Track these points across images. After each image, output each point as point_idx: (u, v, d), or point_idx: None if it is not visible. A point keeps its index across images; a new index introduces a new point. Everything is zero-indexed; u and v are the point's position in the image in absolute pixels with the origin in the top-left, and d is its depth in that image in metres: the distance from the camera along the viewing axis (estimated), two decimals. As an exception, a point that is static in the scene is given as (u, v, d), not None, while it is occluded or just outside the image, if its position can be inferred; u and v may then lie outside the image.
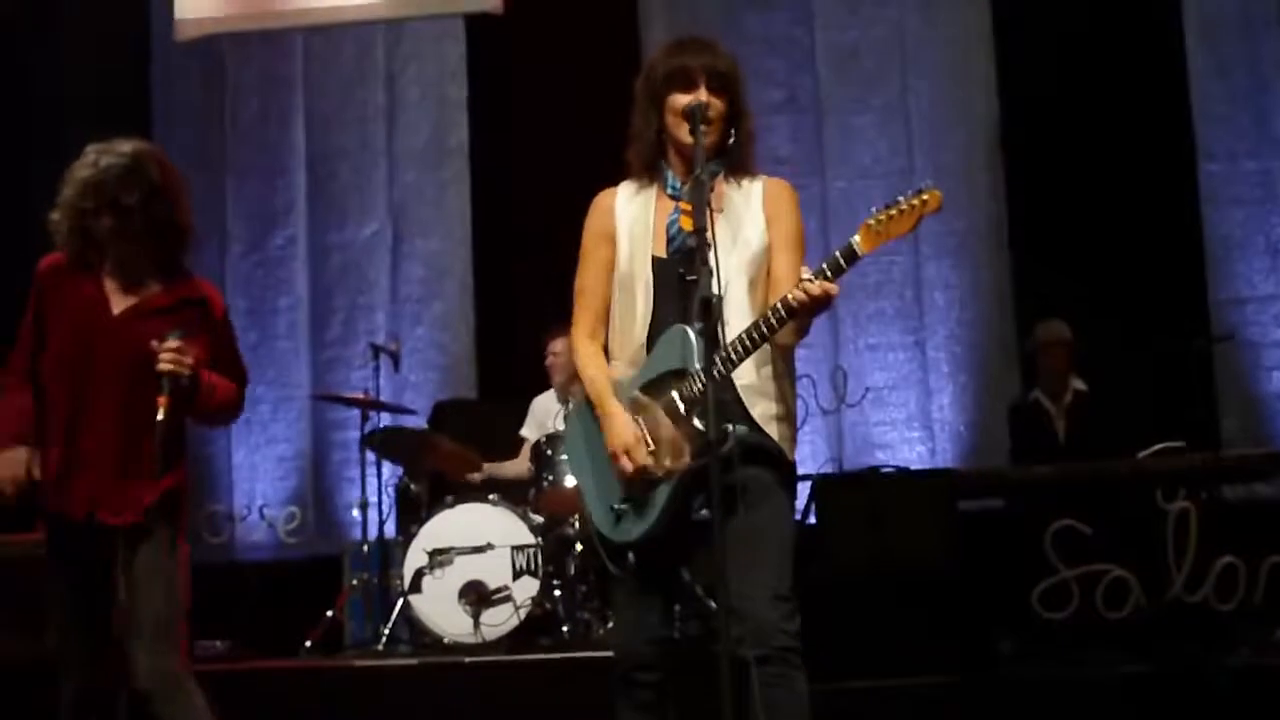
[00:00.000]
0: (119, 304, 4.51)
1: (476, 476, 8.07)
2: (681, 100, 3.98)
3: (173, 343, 4.35)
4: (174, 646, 4.44)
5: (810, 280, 3.70)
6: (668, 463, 3.88)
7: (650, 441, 3.91)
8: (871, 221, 3.74)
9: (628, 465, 3.90)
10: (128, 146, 4.53)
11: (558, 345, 7.76)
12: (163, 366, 4.33)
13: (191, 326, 4.49)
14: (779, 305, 3.77)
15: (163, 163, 4.57)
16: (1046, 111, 9.10)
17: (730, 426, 3.78)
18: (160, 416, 4.31)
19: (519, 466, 8.13)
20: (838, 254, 3.75)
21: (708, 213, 3.77)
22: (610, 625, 6.95)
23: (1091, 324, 8.18)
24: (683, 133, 3.98)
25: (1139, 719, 5.95)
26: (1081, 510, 6.55)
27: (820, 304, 3.73)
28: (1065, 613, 6.51)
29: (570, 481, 7.25)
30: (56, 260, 4.56)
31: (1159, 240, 8.94)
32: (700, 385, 3.78)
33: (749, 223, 4.03)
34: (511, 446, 8.25)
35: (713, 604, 4.27)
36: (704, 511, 3.83)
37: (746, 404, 3.93)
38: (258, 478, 9.82)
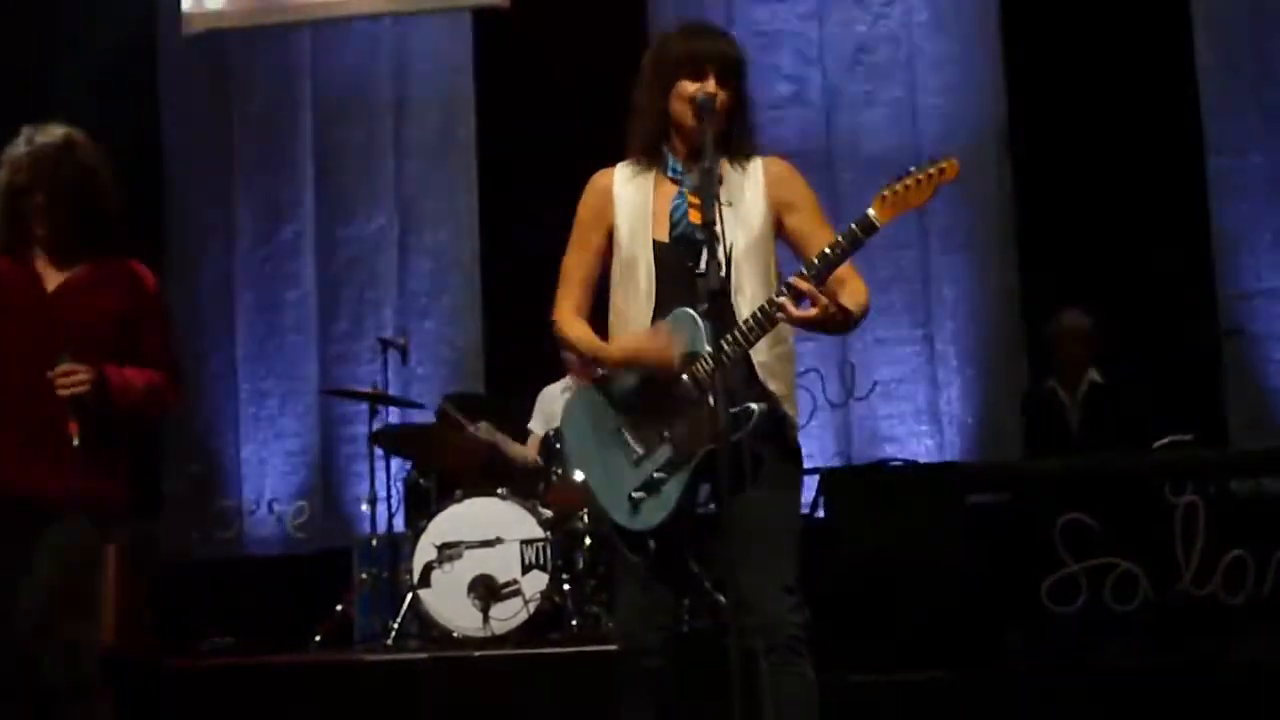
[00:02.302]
0: (52, 281, 4.49)
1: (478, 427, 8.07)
2: (690, 88, 3.97)
3: (63, 367, 4.28)
4: (79, 640, 4.34)
5: (787, 296, 3.73)
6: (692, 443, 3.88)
7: (675, 414, 3.92)
8: (886, 192, 3.76)
9: (670, 358, 3.89)
10: (61, 129, 4.52)
11: None
12: (61, 394, 4.27)
13: (124, 299, 4.49)
14: (762, 306, 3.82)
15: (95, 148, 4.56)
16: (1054, 105, 9.09)
17: (752, 405, 3.79)
18: (75, 443, 4.28)
19: (526, 452, 8.12)
20: (854, 226, 3.77)
21: (717, 205, 3.77)
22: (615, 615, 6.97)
23: (1100, 318, 8.17)
24: (688, 120, 3.98)
25: (1147, 713, 5.94)
26: (1090, 504, 6.54)
27: (805, 321, 3.77)
28: (1073, 606, 6.51)
29: (580, 475, 7.24)
30: None
31: (1167, 234, 8.93)
32: (710, 367, 3.78)
33: (750, 205, 4.03)
34: (519, 440, 8.25)
35: (721, 597, 4.27)
36: (711, 505, 3.85)
37: (763, 381, 3.93)
38: (266, 472, 9.83)
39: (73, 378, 4.29)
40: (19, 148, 4.48)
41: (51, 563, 4.33)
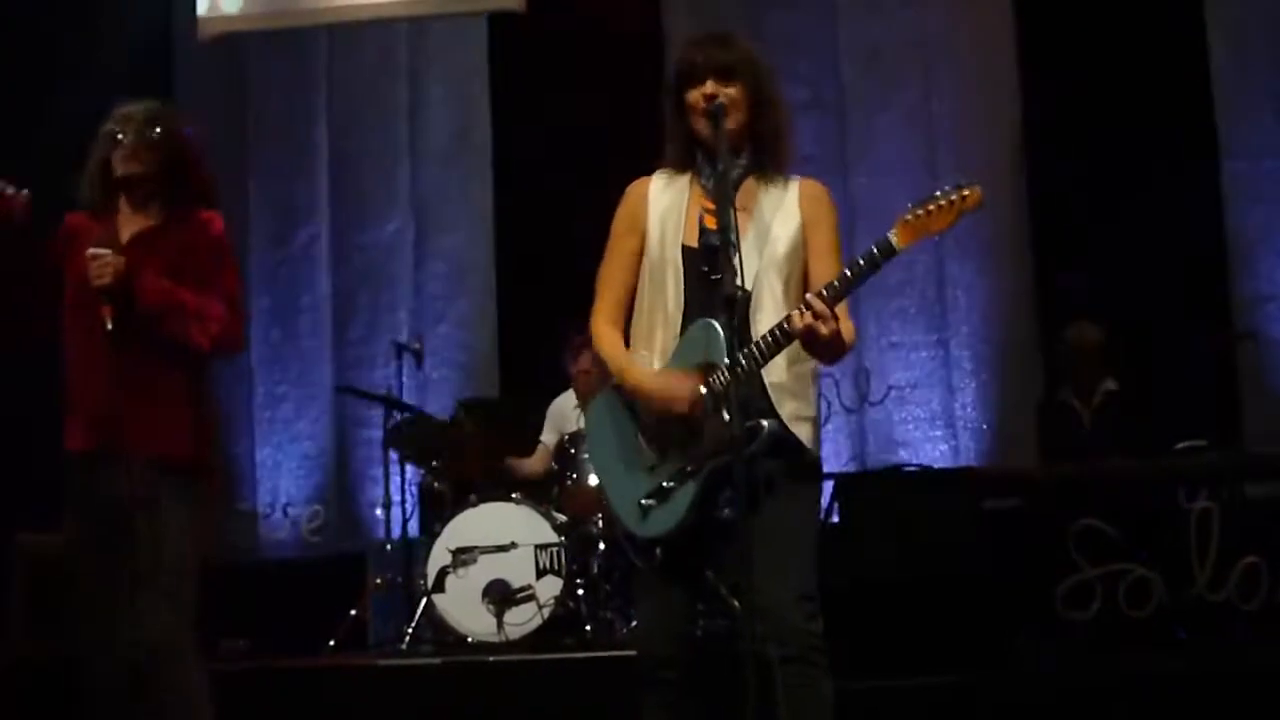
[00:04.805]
0: (128, 234, 4.61)
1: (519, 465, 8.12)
2: (694, 96, 3.99)
3: (90, 251, 4.39)
4: (176, 605, 4.37)
5: (806, 309, 3.70)
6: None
7: (689, 424, 3.91)
8: (909, 217, 3.73)
9: (681, 407, 3.90)
10: (158, 102, 4.76)
11: (585, 361, 7.76)
12: (94, 282, 4.37)
13: (187, 241, 4.60)
14: (780, 323, 3.79)
15: (187, 125, 4.75)
16: (1069, 109, 9.09)
17: (763, 421, 3.80)
18: (109, 327, 4.36)
19: (536, 466, 8.14)
20: (874, 249, 3.75)
21: (731, 210, 3.78)
22: (634, 624, 6.97)
23: (1113, 322, 8.16)
24: (701, 127, 4.00)
25: (1161, 718, 5.94)
26: (1104, 509, 6.53)
27: (812, 335, 3.72)
28: (1088, 612, 6.50)
29: (594, 480, 7.26)
30: (77, 217, 4.66)
31: (1181, 238, 8.91)
32: (724, 379, 3.78)
33: (779, 221, 4.02)
34: (531, 449, 8.26)
35: (736, 604, 4.27)
36: (727, 510, 3.84)
37: (775, 402, 3.91)
38: (281, 476, 9.85)
39: (97, 265, 4.37)
40: (118, 110, 4.71)
41: (144, 527, 4.35)
